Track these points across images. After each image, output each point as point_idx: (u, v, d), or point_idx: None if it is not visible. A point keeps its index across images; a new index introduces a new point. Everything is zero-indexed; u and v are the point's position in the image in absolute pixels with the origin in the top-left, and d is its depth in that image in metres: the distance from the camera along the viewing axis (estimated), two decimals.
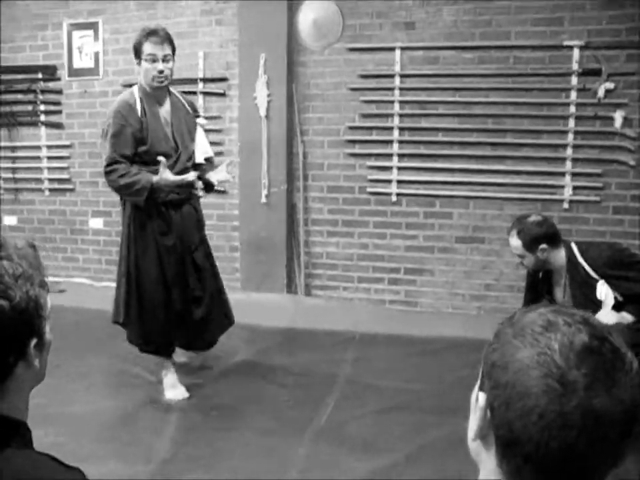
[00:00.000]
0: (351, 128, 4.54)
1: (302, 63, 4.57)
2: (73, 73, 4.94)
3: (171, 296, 3.00)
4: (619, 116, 4.12)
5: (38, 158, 5.13)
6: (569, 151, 4.23)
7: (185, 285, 3.05)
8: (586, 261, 2.65)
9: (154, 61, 2.78)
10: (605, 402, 0.65)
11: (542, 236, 2.67)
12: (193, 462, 2.41)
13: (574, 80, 4.16)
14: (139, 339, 3.06)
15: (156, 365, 3.17)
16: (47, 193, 5.19)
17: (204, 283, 3.14)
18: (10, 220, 5.33)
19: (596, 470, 0.69)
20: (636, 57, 4.07)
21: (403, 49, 4.38)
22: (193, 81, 4.73)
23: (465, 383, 3.34)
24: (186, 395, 3.03)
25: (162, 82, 2.84)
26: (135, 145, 2.83)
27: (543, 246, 2.66)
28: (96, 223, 5.11)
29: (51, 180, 5.15)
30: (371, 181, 4.56)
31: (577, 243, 2.74)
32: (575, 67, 4.13)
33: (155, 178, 2.79)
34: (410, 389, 3.13)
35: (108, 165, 2.80)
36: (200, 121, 3.13)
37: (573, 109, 4.19)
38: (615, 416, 0.66)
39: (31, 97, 5.03)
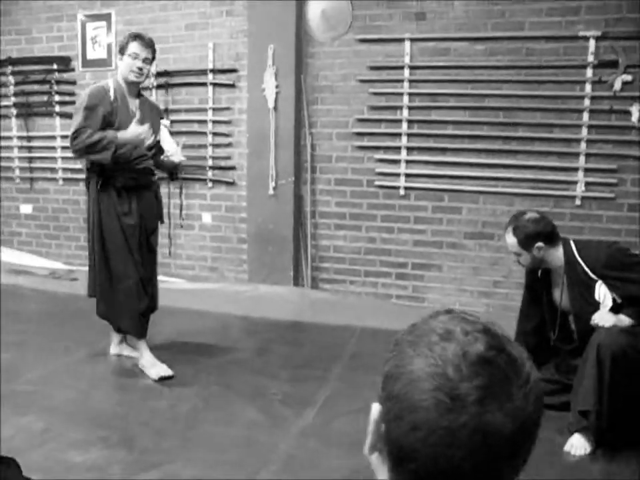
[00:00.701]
0: (359, 120, 4.49)
1: (311, 54, 4.53)
2: (87, 63, 4.99)
3: (137, 271, 3.13)
4: (635, 110, 3.97)
5: (53, 148, 5.21)
6: (583, 146, 4.10)
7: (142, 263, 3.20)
8: (584, 260, 2.56)
9: (135, 58, 3.02)
10: (497, 418, 0.60)
11: (538, 234, 2.59)
12: (173, 452, 2.41)
13: (589, 72, 4.02)
14: (114, 316, 3.19)
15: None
16: (60, 182, 5.28)
17: (152, 267, 3.33)
18: (26, 208, 5.43)
19: None
20: None
21: (412, 40, 4.30)
22: (203, 72, 4.74)
23: None
24: (169, 372, 3.09)
25: (138, 77, 3.07)
26: (103, 124, 2.99)
27: (539, 244, 2.59)
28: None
29: (64, 169, 5.23)
30: (379, 174, 4.50)
31: (576, 242, 2.65)
32: (591, 58, 4.00)
33: (119, 134, 2.98)
34: None
35: (75, 131, 2.94)
36: (163, 121, 3.30)
37: (587, 102, 4.06)
38: (506, 434, 0.60)
39: (46, 87, 5.11)
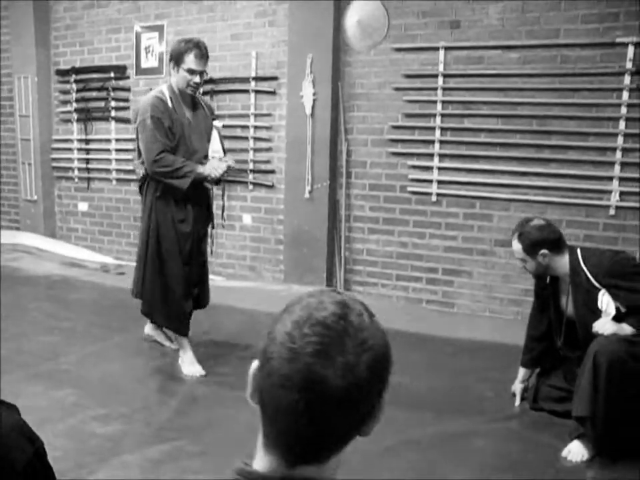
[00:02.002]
0: (394, 127, 4.59)
1: (348, 62, 4.68)
2: (140, 71, 5.34)
3: (188, 275, 3.26)
4: None
5: (108, 150, 5.59)
6: (618, 155, 4.04)
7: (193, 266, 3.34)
8: (588, 268, 2.57)
9: (192, 73, 3.06)
10: (327, 371, 0.72)
11: (542, 241, 2.62)
12: (185, 430, 2.60)
13: (627, 79, 3.96)
14: (162, 317, 3.33)
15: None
16: (114, 182, 5.64)
17: (202, 269, 3.46)
18: (82, 206, 5.83)
19: (325, 438, 0.76)
20: None
21: (447, 48, 4.36)
22: (246, 80, 4.96)
23: (481, 386, 3.32)
24: (202, 372, 3.24)
25: (194, 91, 3.16)
26: (168, 137, 3.10)
27: (544, 251, 2.61)
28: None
29: (117, 170, 5.59)
30: (412, 180, 4.58)
31: (583, 250, 2.66)
32: (629, 65, 3.94)
33: (200, 168, 3.11)
34: (412, 386, 3.15)
35: (158, 154, 3.04)
36: (216, 123, 3.36)
37: (624, 110, 3.99)
38: (335, 385, 0.72)
39: (103, 94, 5.49)
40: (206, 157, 3.24)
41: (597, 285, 2.53)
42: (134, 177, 5.55)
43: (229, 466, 2.31)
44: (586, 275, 2.56)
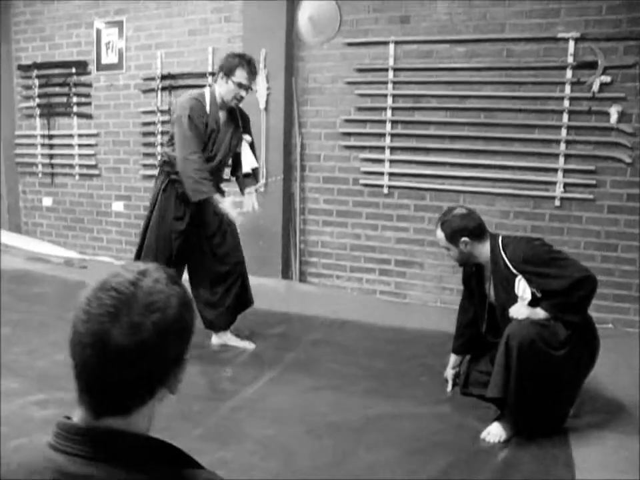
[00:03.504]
0: (346, 121, 4.65)
1: (301, 57, 4.73)
2: (101, 67, 5.38)
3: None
4: (614, 111, 3.96)
5: (70, 145, 5.62)
6: (562, 147, 4.11)
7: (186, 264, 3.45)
8: (507, 255, 2.64)
9: (241, 87, 3.17)
10: (115, 330, 0.81)
11: (463, 228, 2.68)
12: None
13: (568, 73, 4.04)
14: None
15: None
16: (77, 177, 5.68)
17: (210, 269, 3.46)
18: (47, 201, 5.87)
19: (118, 391, 0.85)
20: (635, 48, 3.90)
21: (397, 42, 4.43)
22: (203, 75, 5.01)
23: (417, 371, 3.39)
24: None
25: (237, 104, 3.27)
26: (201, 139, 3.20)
27: (465, 239, 2.68)
28: (118, 207, 5.53)
29: (80, 166, 5.63)
30: (364, 172, 4.64)
31: (503, 237, 2.73)
32: (570, 59, 4.01)
33: (218, 197, 3.21)
34: (355, 372, 3.22)
35: (191, 154, 3.11)
36: (246, 137, 3.44)
37: (567, 103, 4.07)
38: (122, 343, 0.81)
39: (65, 89, 5.52)
40: (224, 164, 3.40)
41: (514, 271, 2.60)
42: (96, 172, 5.62)
43: None
44: (504, 261, 2.63)
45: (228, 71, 3.15)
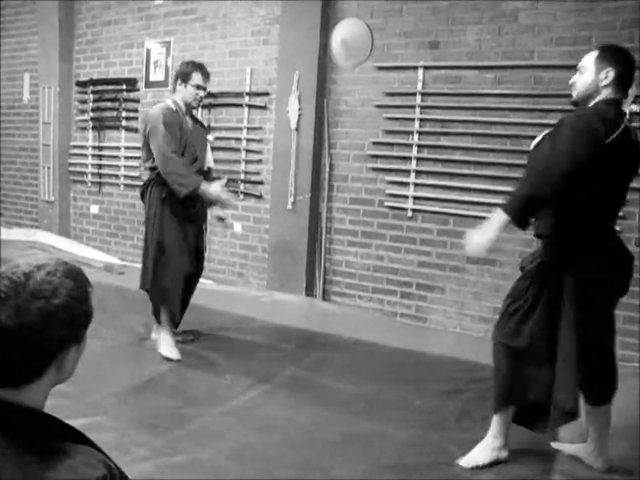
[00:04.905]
0: (374, 143, 4.71)
1: (333, 80, 4.84)
2: (149, 84, 5.68)
3: (189, 266, 3.62)
4: None
5: (117, 157, 5.95)
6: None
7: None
8: None
9: (199, 88, 3.54)
10: (2, 313, 0.95)
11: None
12: (108, 407, 2.86)
13: None
14: (157, 298, 3.63)
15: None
16: (122, 187, 5.99)
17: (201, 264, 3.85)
18: (94, 209, 6.22)
19: (6, 366, 0.97)
20: None
21: (425, 67, 4.46)
22: (240, 94, 5.21)
23: (413, 395, 3.38)
24: (178, 357, 3.54)
25: (198, 104, 3.70)
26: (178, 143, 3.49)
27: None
28: None
29: (125, 176, 5.94)
30: (389, 195, 4.67)
31: None
32: None
33: (205, 186, 3.46)
34: (350, 391, 3.24)
35: (172, 152, 3.41)
36: (209, 137, 3.83)
37: None
38: (7, 326, 0.95)
39: (116, 104, 5.86)
40: (203, 165, 3.68)
41: None
42: (139, 183, 5.91)
43: (144, 442, 2.52)
44: None
45: (185, 77, 3.51)
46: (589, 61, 2.38)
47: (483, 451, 2.51)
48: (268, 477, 2.35)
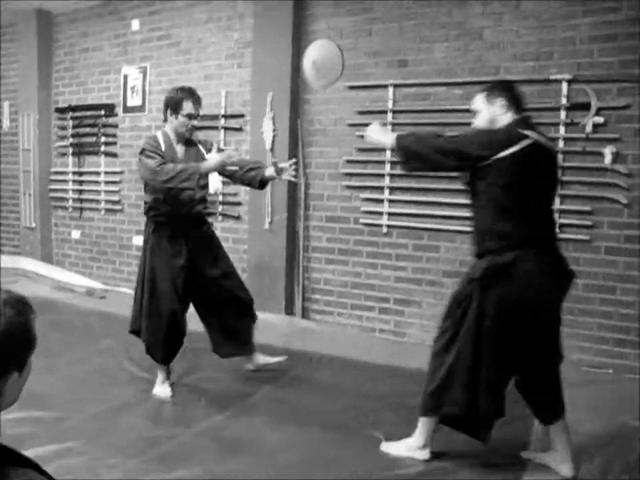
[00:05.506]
0: (348, 161, 4.77)
1: (306, 100, 4.92)
2: (127, 109, 5.74)
3: (178, 311, 3.40)
4: (608, 152, 3.92)
5: (97, 182, 5.99)
6: (557, 187, 4.08)
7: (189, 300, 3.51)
8: None
9: (190, 118, 3.30)
10: None
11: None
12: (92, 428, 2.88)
13: (562, 114, 4.04)
14: (148, 345, 3.46)
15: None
16: (102, 212, 6.03)
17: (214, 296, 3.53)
18: (75, 234, 6.24)
19: None
20: (629, 90, 3.87)
21: (395, 85, 4.55)
22: (216, 117, 5.28)
23: (386, 409, 3.37)
24: (169, 394, 3.40)
25: (191, 134, 3.39)
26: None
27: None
28: (138, 240, 5.80)
29: (106, 201, 5.98)
30: (365, 212, 4.73)
31: None
32: (564, 101, 4.02)
33: (204, 165, 3.21)
34: (330, 409, 3.25)
35: (158, 165, 3.20)
36: (207, 156, 3.42)
37: (561, 143, 4.06)
38: None
39: (95, 130, 5.92)
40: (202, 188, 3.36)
41: None
42: (119, 207, 5.95)
43: (116, 465, 2.52)
44: None
45: (175, 107, 3.28)
46: (479, 101, 2.59)
47: (403, 446, 2.69)
48: None
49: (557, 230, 4.06)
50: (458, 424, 2.54)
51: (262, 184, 3.46)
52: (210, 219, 3.63)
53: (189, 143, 3.43)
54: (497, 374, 2.43)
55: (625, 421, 3.07)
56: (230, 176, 3.46)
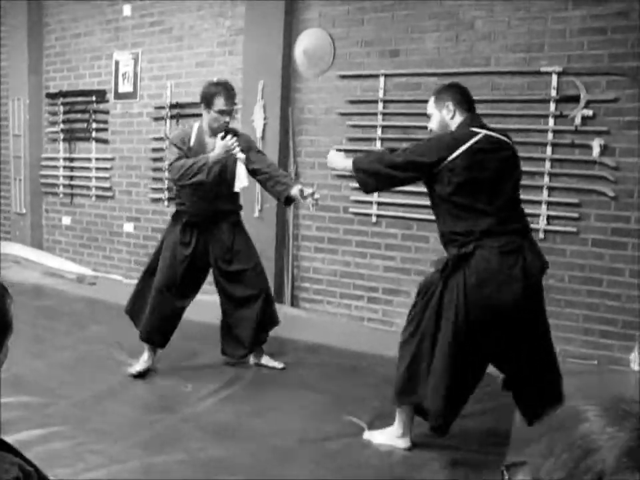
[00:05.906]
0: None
1: (298, 89, 4.91)
2: (118, 96, 5.71)
3: (176, 298, 3.48)
4: (596, 144, 3.94)
5: (88, 168, 5.97)
6: (546, 179, 4.11)
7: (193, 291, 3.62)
8: None
9: (223, 114, 3.27)
10: None
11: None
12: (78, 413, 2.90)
13: (551, 106, 4.05)
14: (142, 330, 3.51)
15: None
16: (93, 198, 6.02)
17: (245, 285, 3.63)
18: (66, 220, 6.23)
19: None
20: (618, 83, 3.89)
21: (387, 75, 4.55)
22: None
23: (372, 397, 3.41)
24: (137, 370, 3.45)
25: (224, 130, 3.31)
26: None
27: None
28: (129, 227, 5.81)
29: (97, 188, 5.97)
30: (354, 201, 4.74)
31: None
32: (553, 93, 4.03)
33: (211, 155, 3.21)
34: (308, 396, 3.29)
35: (170, 164, 3.32)
36: (238, 155, 3.33)
37: (550, 136, 4.08)
38: None
39: (86, 116, 5.89)
40: (229, 186, 3.41)
41: None
42: (110, 194, 5.94)
43: (100, 450, 2.54)
44: None
45: (207, 103, 3.29)
46: (430, 105, 2.71)
47: (384, 435, 2.72)
48: None
49: (545, 222, 4.11)
50: (425, 414, 2.57)
51: (287, 201, 3.49)
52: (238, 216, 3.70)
53: (226, 136, 3.28)
54: (454, 364, 2.42)
55: None
56: (260, 182, 3.53)
